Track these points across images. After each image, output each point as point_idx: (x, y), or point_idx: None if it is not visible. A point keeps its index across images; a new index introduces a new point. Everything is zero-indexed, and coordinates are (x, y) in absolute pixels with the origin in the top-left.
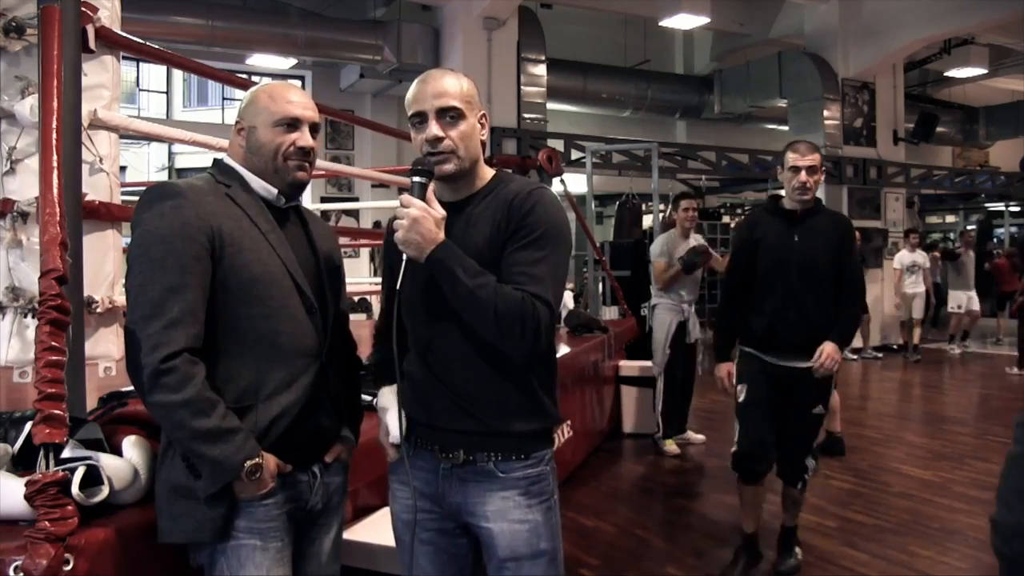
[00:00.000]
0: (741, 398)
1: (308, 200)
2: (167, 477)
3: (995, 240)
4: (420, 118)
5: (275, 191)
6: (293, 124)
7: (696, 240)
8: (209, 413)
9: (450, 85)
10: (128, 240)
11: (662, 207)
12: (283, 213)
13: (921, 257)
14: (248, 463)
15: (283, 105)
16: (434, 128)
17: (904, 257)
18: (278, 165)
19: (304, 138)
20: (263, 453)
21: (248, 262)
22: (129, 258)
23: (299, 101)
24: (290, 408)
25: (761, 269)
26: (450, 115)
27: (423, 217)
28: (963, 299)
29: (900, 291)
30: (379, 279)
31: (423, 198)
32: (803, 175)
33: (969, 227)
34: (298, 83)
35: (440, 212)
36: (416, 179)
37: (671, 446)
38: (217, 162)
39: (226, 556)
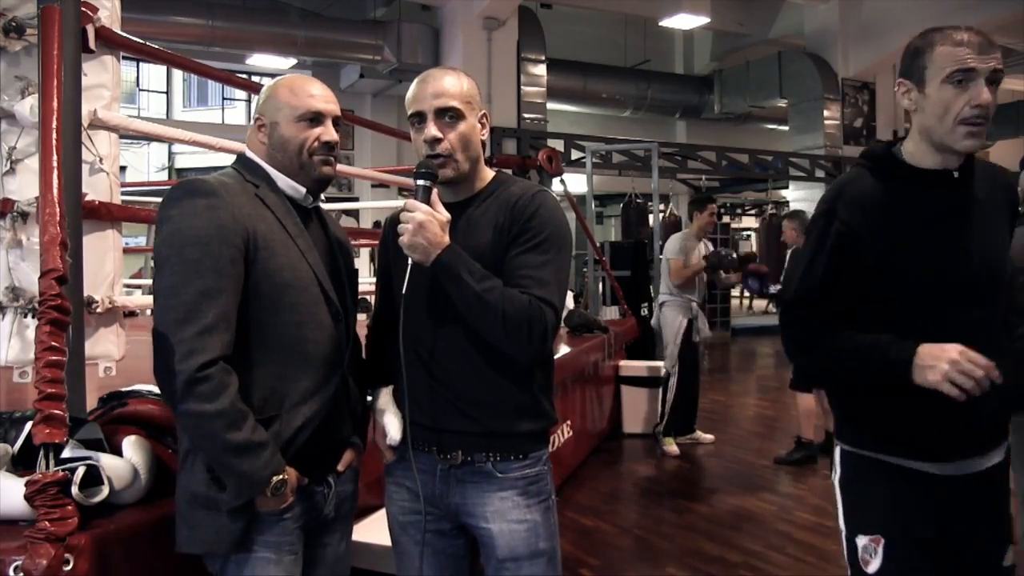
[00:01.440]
0: (872, 567)
1: (328, 187)
2: (187, 485)
3: None
4: (419, 118)
5: (303, 190)
6: (316, 118)
7: (706, 245)
8: (241, 425)
9: (450, 85)
10: (129, 240)
11: (662, 207)
12: (306, 213)
13: None
14: (275, 479)
15: (305, 99)
16: (432, 129)
17: None
18: (303, 161)
19: (328, 132)
20: (287, 468)
21: (280, 267)
22: (159, 257)
23: (321, 94)
24: (313, 418)
25: (903, 294)
26: (449, 115)
27: (428, 221)
28: None
29: None
30: None
31: (427, 201)
32: (984, 92)
33: None
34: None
35: (445, 215)
36: (420, 182)
37: (671, 446)
38: (241, 157)
39: (238, 568)
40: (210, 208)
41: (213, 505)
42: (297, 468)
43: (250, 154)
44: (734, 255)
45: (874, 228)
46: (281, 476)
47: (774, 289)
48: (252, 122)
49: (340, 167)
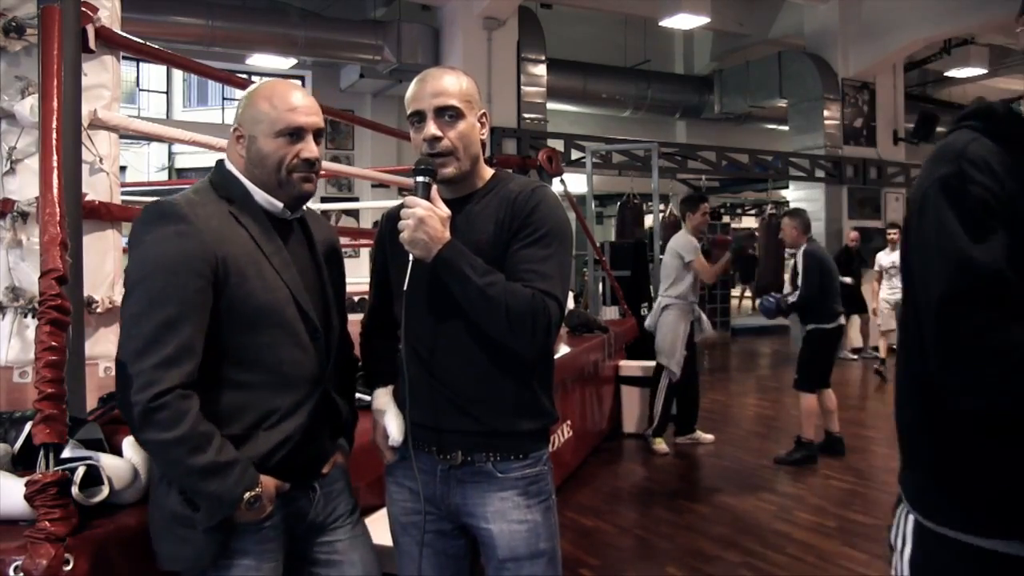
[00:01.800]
0: None
1: (309, 201)
2: (163, 504)
3: None
4: (418, 117)
5: (280, 205)
6: (297, 133)
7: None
8: (205, 448)
9: (449, 84)
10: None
11: (662, 207)
12: (287, 225)
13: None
14: (247, 495)
15: (285, 113)
16: (432, 128)
17: (882, 258)
18: (282, 178)
19: (309, 148)
20: (263, 480)
21: (253, 291)
22: (127, 282)
23: (302, 106)
24: (293, 435)
25: None
26: (448, 114)
27: (429, 216)
28: None
29: (877, 297)
30: None
31: (427, 197)
32: None
33: None
34: (298, 83)
35: (445, 211)
36: (420, 179)
37: (660, 445)
38: (219, 168)
39: None
40: (179, 235)
41: (190, 524)
42: (277, 477)
43: (228, 165)
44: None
45: (1009, 204)
46: (255, 492)
47: (793, 298)
48: (231, 131)
49: (340, 167)
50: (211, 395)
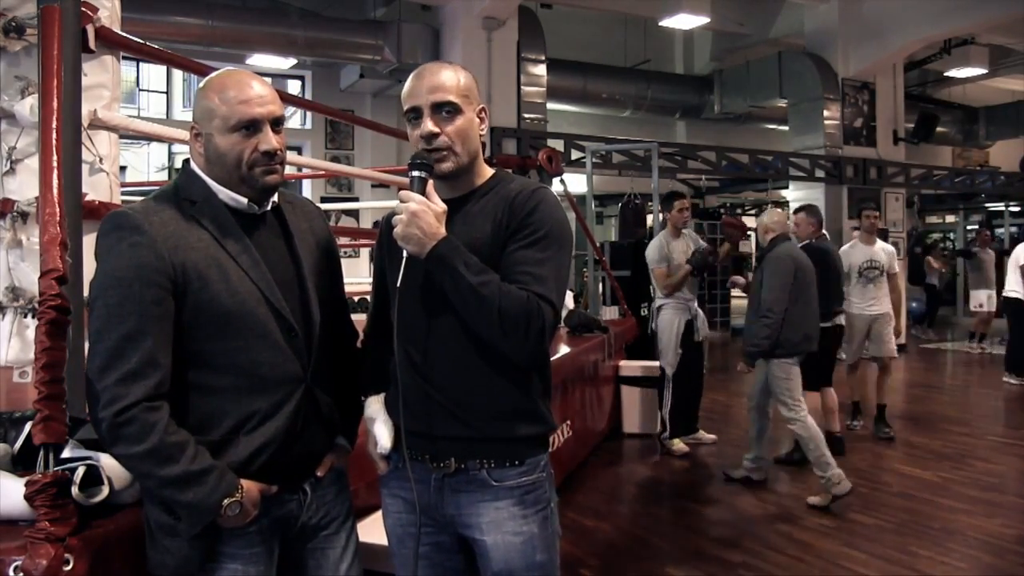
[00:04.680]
0: None
1: (275, 193)
2: (150, 513)
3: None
4: (415, 113)
5: (245, 201)
6: (252, 126)
7: (691, 239)
8: (177, 458)
9: (446, 79)
10: None
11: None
12: (257, 219)
13: (883, 254)
14: (227, 501)
15: (236, 107)
16: (428, 124)
17: (852, 254)
18: (243, 174)
19: (267, 140)
20: (243, 485)
21: (217, 295)
22: (89, 297)
23: (255, 96)
24: (275, 437)
25: None
26: (446, 110)
27: (423, 211)
28: (983, 298)
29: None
30: None
31: (423, 192)
32: None
33: (970, 227)
34: (297, 83)
35: (441, 206)
36: (415, 173)
37: (679, 445)
38: (184, 168)
39: None
40: (132, 246)
41: (173, 532)
42: (262, 480)
43: (192, 164)
44: (716, 252)
45: None
46: (234, 498)
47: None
48: (189, 130)
49: (340, 167)
50: (186, 403)
